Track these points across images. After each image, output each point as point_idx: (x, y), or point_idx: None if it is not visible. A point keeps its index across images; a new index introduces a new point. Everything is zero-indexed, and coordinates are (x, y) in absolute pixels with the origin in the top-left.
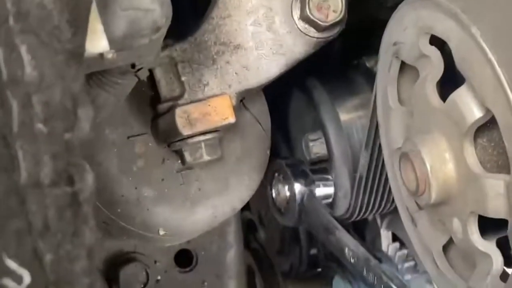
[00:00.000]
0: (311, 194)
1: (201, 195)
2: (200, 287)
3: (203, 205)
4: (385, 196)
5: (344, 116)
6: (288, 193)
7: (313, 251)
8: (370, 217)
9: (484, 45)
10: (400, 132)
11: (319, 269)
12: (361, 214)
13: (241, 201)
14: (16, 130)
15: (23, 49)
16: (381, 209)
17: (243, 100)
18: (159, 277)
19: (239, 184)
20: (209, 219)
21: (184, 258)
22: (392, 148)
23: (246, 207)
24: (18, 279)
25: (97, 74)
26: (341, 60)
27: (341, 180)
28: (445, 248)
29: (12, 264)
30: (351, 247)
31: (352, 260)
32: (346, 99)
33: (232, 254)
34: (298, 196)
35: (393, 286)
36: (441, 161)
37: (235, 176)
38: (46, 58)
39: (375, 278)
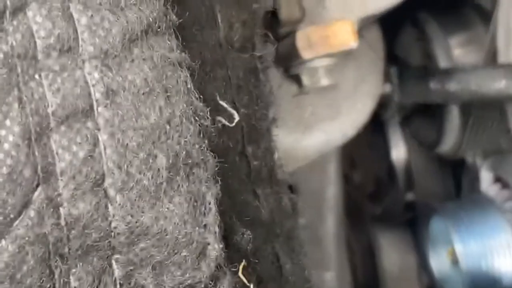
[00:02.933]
0: None
1: (314, 120)
2: (300, 219)
3: (316, 130)
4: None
5: (456, 50)
6: None
7: (410, 195)
8: (471, 159)
9: None
10: None
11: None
12: (467, 149)
13: (353, 128)
14: None
15: None
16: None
17: (359, 29)
18: None
19: (351, 110)
20: (320, 144)
21: None
22: None
23: None
24: (230, 117)
25: None
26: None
27: (449, 115)
28: None
29: (224, 104)
30: None
31: None
32: (458, 33)
33: (332, 190)
34: None
35: None
36: None
37: (348, 102)
38: None
39: None
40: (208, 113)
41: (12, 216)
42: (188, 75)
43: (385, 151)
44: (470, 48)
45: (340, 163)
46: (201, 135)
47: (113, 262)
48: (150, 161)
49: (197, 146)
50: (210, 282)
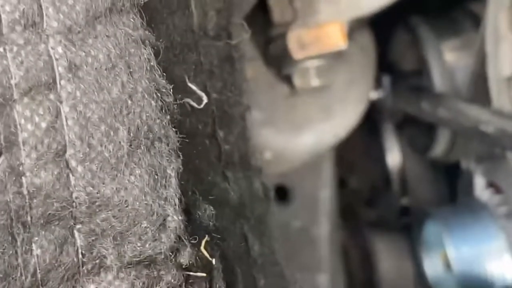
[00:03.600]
0: None
1: (306, 121)
2: (294, 221)
3: (307, 131)
4: None
5: (448, 55)
6: None
7: (404, 200)
8: (465, 165)
9: None
10: (510, 60)
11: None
12: (458, 154)
13: (344, 130)
14: None
15: None
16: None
17: (351, 31)
18: None
19: (343, 112)
20: (312, 145)
21: (280, 193)
22: (500, 77)
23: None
24: (198, 100)
25: None
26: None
27: None
28: None
29: (193, 86)
30: None
31: None
32: (450, 38)
33: (326, 192)
34: None
35: None
36: None
37: (340, 104)
38: None
39: None
40: (171, 90)
41: None
42: (152, 53)
43: (381, 156)
44: (462, 53)
45: (335, 166)
46: (163, 111)
47: (75, 232)
48: (111, 134)
49: (158, 121)
50: (170, 253)
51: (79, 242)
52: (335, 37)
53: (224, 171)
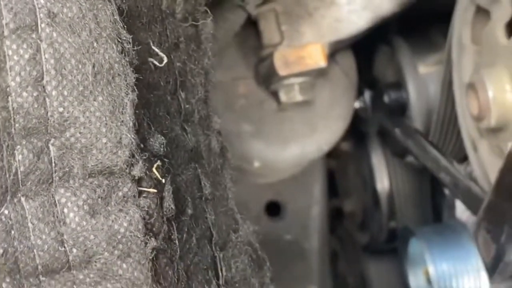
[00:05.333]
0: None
1: (293, 135)
2: (286, 235)
3: (293, 144)
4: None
5: (422, 69)
6: None
7: (392, 223)
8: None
9: None
10: (470, 68)
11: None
12: None
13: (327, 144)
14: None
15: None
16: (454, 152)
17: (334, 56)
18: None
19: (326, 128)
20: (297, 157)
21: (273, 208)
22: (462, 82)
23: (334, 195)
24: (160, 60)
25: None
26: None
27: (417, 124)
28: None
29: (156, 49)
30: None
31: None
32: (424, 54)
33: (317, 209)
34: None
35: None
36: (502, 91)
37: (323, 121)
38: None
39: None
40: (131, 39)
41: None
42: (116, 10)
43: (371, 181)
44: (435, 67)
45: (325, 184)
46: (123, 54)
47: (50, 145)
48: (80, 67)
49: (118, 60)
50: (126, 166)
51: (52, 153)
52: (316, 57)
53: (183, 124)
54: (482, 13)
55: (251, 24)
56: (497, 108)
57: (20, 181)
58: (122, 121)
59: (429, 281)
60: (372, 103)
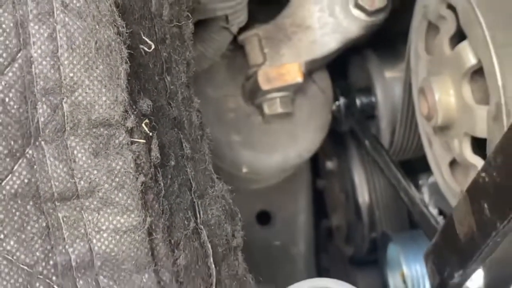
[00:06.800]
0: None
1: (276, 144)
2: (275, 241)
3: (277, 152)
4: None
5: (389, 75)
6: None
7: (374, 234)
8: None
9: (477, 11)
10: (424, 74)
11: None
12: (402, 153)
13: (307, 152)
14: None
15: None
16: (417, 148)
17: (312, 75)
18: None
19: (306, 138)
20: (280, 163)
21: (264, 217)
22: (418, 87)
23: (325, 216)
24: (149, 47)
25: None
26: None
27: (384, 124)
28: (451, 165)
29: (146, 39)
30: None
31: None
32: (391, 62)
33: (304, 217)
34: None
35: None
36: (446, 94)
37: (303, 132)
38: None
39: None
40: (125, 24)
41: (2, 67)
42: (113, 2)
43: (353, 195)
44: (401, 74)
45: (311, 194)
46: (119, 35)
47: (63, 102)
48: (86, 43)
49: (114, 39)
50: (121, 119)
51: (65, 108)
52: (294, 74)
53: (168, 100)
54: (433, 27)
55: (239, 48)
56: (443, 109)
57: (40, 129)
58: (118, 84)
59: (404, 282)
60: (345, 108)
